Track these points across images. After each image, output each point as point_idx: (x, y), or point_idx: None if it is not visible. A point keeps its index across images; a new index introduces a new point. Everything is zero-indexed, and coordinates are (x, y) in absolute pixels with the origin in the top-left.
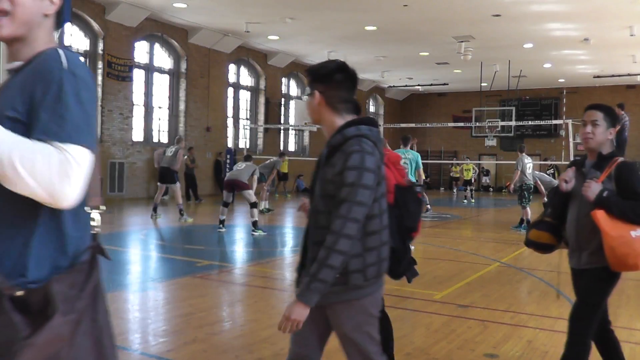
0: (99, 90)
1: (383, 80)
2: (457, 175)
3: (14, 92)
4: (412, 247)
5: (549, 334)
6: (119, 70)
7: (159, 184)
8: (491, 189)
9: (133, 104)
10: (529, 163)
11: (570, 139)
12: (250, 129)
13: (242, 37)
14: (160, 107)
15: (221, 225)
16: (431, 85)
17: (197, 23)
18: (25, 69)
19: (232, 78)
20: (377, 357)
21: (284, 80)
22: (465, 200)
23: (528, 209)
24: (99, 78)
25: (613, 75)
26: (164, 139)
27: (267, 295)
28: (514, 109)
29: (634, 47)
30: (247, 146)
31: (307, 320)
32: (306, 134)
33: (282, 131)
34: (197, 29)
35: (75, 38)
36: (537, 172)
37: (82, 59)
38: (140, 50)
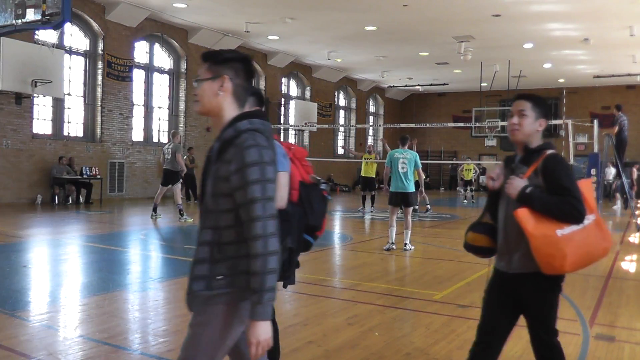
0: (99, 90)
1: (383, 80)
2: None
3: None
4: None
5: None
6: (119, 70)
7: (161, 186)
8: None
9: (133, 104)
10: None
11: (570, 139)
12: None
13: (242, 37)
14: (160, 107)
15: None
16: (431, 85)
17: (197, 23)
18: None
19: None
20: None
21: (284, 80)
22: (465, 201)
23: None
24: (99, 78)
25: (613, 75)
26: (164, 139)
27: None
28: None
29: (634, 47)
30: None
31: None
32: (306, 134)
33: (282, 131)
34: (197, 29)
35: (75, 38)
36: None
37: (82, 58)
38: (140, 50)
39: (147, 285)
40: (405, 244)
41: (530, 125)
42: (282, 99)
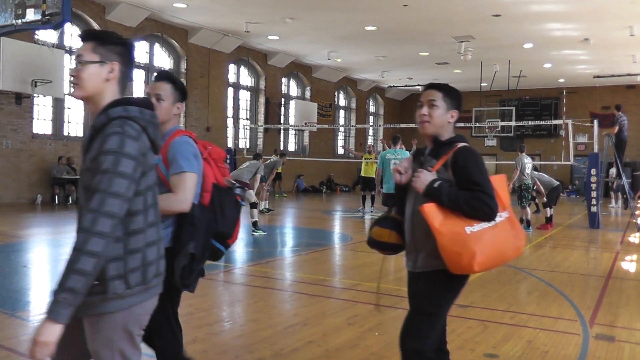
0: None
1: (383, 80)
2: None
3: None
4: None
5: (549, 334)
6: None
7: None
8: None
9: None
10: (528, 163)
11: (570, 139)
12: (250, 129)
13: (242, 37)
14: None
15: None
16: None
17: (197, 23)
18: None
19: (232, 78)
20: None
21: (284, 80)
22: None
23: (528, 209)
24: None
25: (613, 75)
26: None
27: (267, 295)
28: (513, 109)
29: (634, 47)
30: (247, 146)
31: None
32: (306, 134)
33: (282, 131)
34: (197, 29)
35: (75, 38)
36: (535, 172)
37: None
38: (140, 50)
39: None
40: None
41: (441, 117)
42: (282, 99)
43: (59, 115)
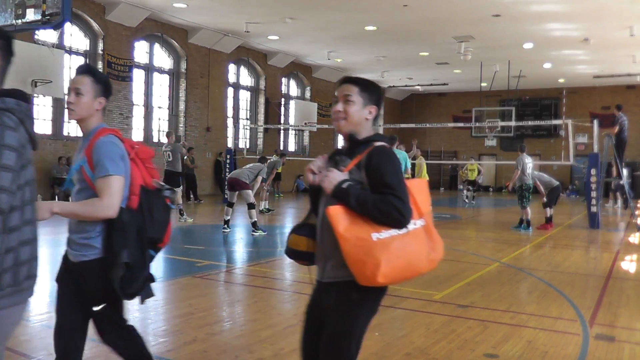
0: None
1: (383, 80)
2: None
3: None
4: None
5: (549, 334)
6: (119, 70)
7: None
8: (491, 189)
9: (133, 104)
10: (529, 163)
11: (570, 139)
12: (250, 129)
13: (242, 37)
14: (160, 107)
15: (226, 226)
16: (431, 85)
17: (197, 23)
18: None
19: (232, 78)
20: None
21: (283, 80)
22: (467, 200)
23: (528, 209)
24: None
25: (613, 75)
26: (164, 139)
27: (267, 295)
28: (513, 109)
29: (634, 47)
30: (247, 146)
31: None
32: (306, 134)
33: (282, 131)
34: (197, 29)
35: (75, 38)
36: (536, 172)
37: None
38: (140, 50)
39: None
40: None
41: (357, 113)
42: (282, 99)
43: (59, 115)
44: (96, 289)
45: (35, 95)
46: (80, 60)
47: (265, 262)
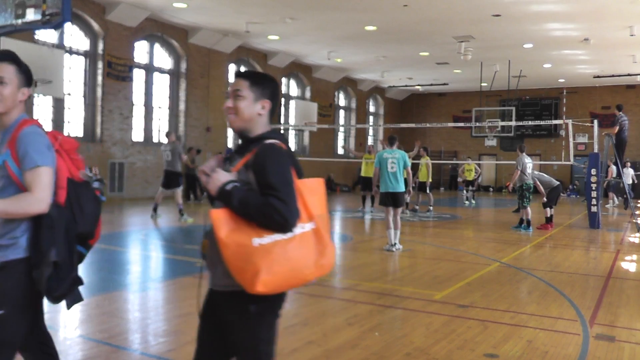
0: (99, 90)
1: (383, 80)
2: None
3: None
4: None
5: (549, 334)
6: (119, 70)
7: (162, 188)
8: (491, 189)
9: (133, 104)
10: (529, 163)
11: (570, 139)
12: None
13: (242, 37)
14: (160, 107)
15: None
16: (431, 85)
17: (197, 23)
18: None
19: (232, 78)
20: None
21: (284, 80)
22: (467, 201)
23: (528, 209)
24: (99, 78)
25: (613, 75)
26: (164, 139)
27: None
28: (514, 109)
29: (634, 47)
30: None
31: None
32: (306, 134)
33: (282, 131)
34: (197, 29)
35: (75, 38)
36: (536, 172)
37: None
38: (140, 50)
39: (147, 285)
40: (395, 243)
41: (248, 109)
42: (282, 99)
43: (59, 115)
44: (16, 291)
45: (35, 95)
46: (81, 60)
47: None
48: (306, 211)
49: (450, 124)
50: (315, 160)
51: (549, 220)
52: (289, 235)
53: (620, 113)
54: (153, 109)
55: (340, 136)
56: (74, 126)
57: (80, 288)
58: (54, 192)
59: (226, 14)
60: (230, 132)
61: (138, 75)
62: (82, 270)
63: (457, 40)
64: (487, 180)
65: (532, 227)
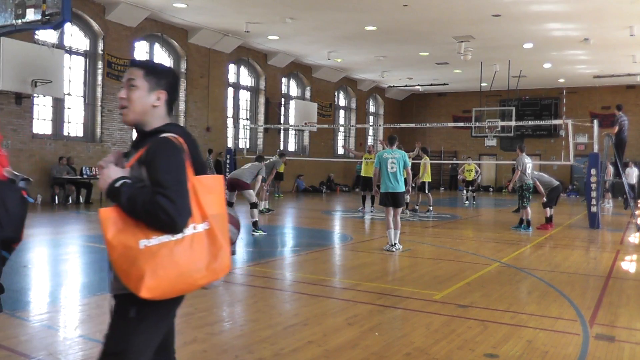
0: (99, 90)
1: (383, 80)
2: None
3: None
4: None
5: (549, 334)
6: (119, 70)
7: None
8: (491, 189)
9: None
10: (529, 163)
11: (570, 139)
12: (250, 129)
13: (242, 37)
14: None
15: None
16: (431, 85)
17: (197, 23)
18: None
19: (232, 78)
20: None
21: (284, 80)
22: (467, 202)
23: (528, 209)
24: (99, 78)
25: (613, 75)
26: None
27: (267, 295)
28: (514, 109)
29: (634, 47)
30: (247, 146)
31: None
32: (306, 134)
33: (282, 131)
34: (197, 29)
35: (75, 38)
36: (536, 172)
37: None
38: (140, 50)
39: None
40: (395, 243)
41: (141, 100)
42: (282, 99)
43: (59, 115)
44: None
45: (35, 95)
46: (80, 60)
47: (265, 262)
48: (200, 211)
49: (450, 124)
50: (315, 160)
51: (548, 220)
52: (178, 236)
53: (620, 113)
54: None
55: (340, 136)
56: (74, 126)
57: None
58: None
59: (226, 14)
60: (230, 133)
61: None
62: (83, 270)
63: (457, 40)
64: (487, 180)
65: (532, 227)
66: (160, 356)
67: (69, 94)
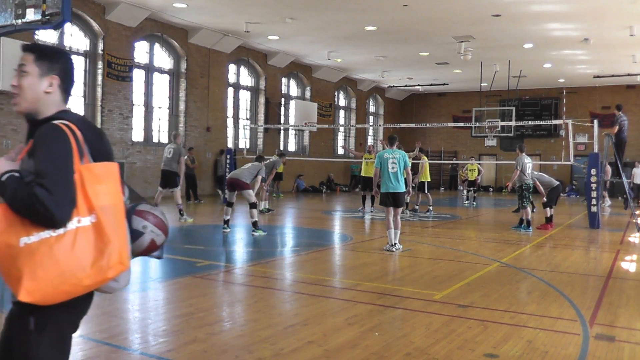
0: (99, 90)
1: (383, 80)
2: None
3: None
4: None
5: (549, 334)
6: (119, 70)
7: (160, 188)
8: (491, 189)
9: (133, 104)
10: (528, 163)
11: (570, 139)
12: (250, 129)
13: (242, 37)
14: (160, 107)
15: (225, 226)
16: (431, 85)
17: (197, 23)
18: None
19: (232, 78)
20: None
21: (284, 80)
22: (467, 202)
23: (528, 209)
24: (99, 78)
25: (613, 75)
26: (164, 139)
27: (267, 295)
28: (514, 109)
29: (634, 47)
30: (247, 146)
31: None
32: (306, 134)
33: (282, 131)
34: (197, 29)
35: (75, 38)
36: (536, 172)
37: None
38: (140, 50)
39: (147, 285)
40: (395, 243)
41: (32, 87)
42: (282, 99)
43: None
44: None
45: None
46: (80, 60)
47: (265, 262)
48: (86, 202)
49: (450, 124)
50: (315, 160)
51: (548, 220)
52: (59, 231)
53: (620, 113)
54: (153, 109)
55: (340, 136)
56: None
57: None
58: None
59: (226, 14)
60: (230, 133)
61: (138, 75)
62: None
63: (457, 40)
64: (487, 180)
65: (532, 227)
66: None
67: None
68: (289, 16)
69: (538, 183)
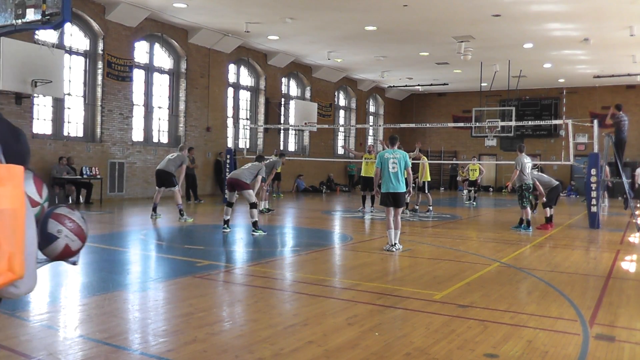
0: (99, 90)
1: (383, 80)
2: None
3: None
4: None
5: (549, 334)
6: (119, 70)
7: (157, 188)
8: (491, 189)
9: (133, 104)
10: (528, 163)
11: (570, 139)
12: (250, 129)
13: (242, 37)
14: (160, 107)
15: (225, 226)
16: (431, 85)
17: (197, 23)
18: None
19: (232, 78)
20: None
21: (284, 80)
22: (467, 202)
23: (528, 208)
24: (99, 78)
25: (613, 75)
26: (164, 139)
27: (267, 295)
28: (513, 109)
29: (634, 47)
30: (247, 146)
31: None
32: (306, 134)
33: (282, 131)
34: (197, 29)
35: (75, 38)
36: (535, 172)
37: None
38: (140, 50)
39: (147, 285)
40: (395, 243)
41: None
42: (282, 99)
43: (59, 115)
44: None
45: (35, 95)
46: (81, 61)
47: (265, 262)
48: None
49: (450, 124)
50: (315, 160)
51: (548, 220)
52: None
53: (620, 113)
54: (153, 109)
55: (340, 136)
56: (74, 126)
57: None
58: None
59: (226, 14)
60: (230, 133)
61: (138, 75)
62: (82, 270)
63: (457, 40)
64: (487, 180)
65: (532, 227)
66: None
67: (69, 94)
68: (289, 16)
69: (538, 183)
